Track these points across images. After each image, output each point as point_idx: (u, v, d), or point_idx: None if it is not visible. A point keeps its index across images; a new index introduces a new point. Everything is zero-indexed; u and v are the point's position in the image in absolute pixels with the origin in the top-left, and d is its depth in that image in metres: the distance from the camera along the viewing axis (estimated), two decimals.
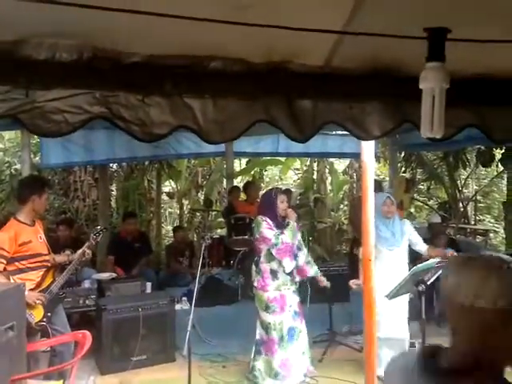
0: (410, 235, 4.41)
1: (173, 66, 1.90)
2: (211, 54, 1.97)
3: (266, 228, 4.22)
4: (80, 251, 4.16)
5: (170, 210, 12.29)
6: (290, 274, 4.29)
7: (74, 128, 1.83)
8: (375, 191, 4.75)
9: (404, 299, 4.22)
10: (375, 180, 6.26)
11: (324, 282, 4.52)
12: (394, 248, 4.28)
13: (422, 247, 4.42)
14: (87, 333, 3.44)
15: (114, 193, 10.49)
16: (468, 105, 2.39)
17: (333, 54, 1.99)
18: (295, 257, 4.29)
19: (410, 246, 4.45)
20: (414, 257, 4.55)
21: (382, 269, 4.20)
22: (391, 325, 4.23)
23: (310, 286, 4.66)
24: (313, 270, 4.44)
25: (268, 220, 4.25)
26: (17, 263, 3.72)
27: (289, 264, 4.20)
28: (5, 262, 3.64)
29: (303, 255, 4.36)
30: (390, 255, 4.28)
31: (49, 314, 3.82)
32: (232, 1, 1.66)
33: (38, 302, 3.73)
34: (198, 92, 1.96)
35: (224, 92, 1.99)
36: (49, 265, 3.94)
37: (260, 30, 1.75)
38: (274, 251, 4.18)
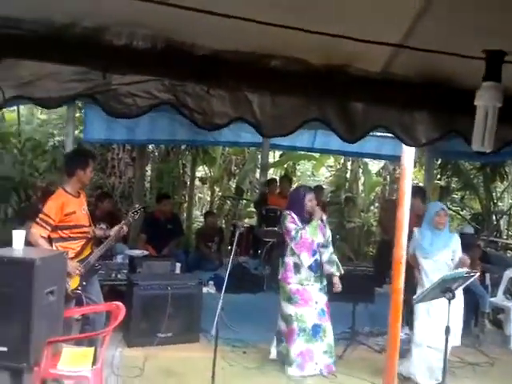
0: (454, 250, 4.30)
1: (237, 62, 2.01)
2: (273, 53, 2.08)
3: (289, 222, 4.33)
4: (118, 227, 4.23)
5: (199, 195, 12.47)
6: (315, 270, 4.35)
7: (142, 111, 1.97)
8: (418, 198, 4.71)
9: (459, 308, 4.06)
10: (420, 187, 6.20)
11: (337, 285, 4.43)
12: (428, 257, 4.29)
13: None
14: (121, 304, 3.53)
15: (148, 173, 10.73)
16: None
17: (391, 61, 2.07)
18: (316, 253, 4.35)
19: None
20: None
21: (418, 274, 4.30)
22: (430, 332, 4.17)
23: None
24: (333, 269, 4.43)
25: (293, 214, 4.35)
26: (60, 231, 3.85)
27: (306, 259, 4.27)
28: (50, 229, 3.78)
29: (327, 253, 4.42)
30: (424, 263, 4.31)
31: (84, 283, 3.94)
32: (294, 6, 1.75)
33: (77, 272, 3.85)
34: (258, 88, 2.07)
35: (283, 89, 2.09)
36: (89, 236, 4.07)
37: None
38: (292, 245, 4.29)
